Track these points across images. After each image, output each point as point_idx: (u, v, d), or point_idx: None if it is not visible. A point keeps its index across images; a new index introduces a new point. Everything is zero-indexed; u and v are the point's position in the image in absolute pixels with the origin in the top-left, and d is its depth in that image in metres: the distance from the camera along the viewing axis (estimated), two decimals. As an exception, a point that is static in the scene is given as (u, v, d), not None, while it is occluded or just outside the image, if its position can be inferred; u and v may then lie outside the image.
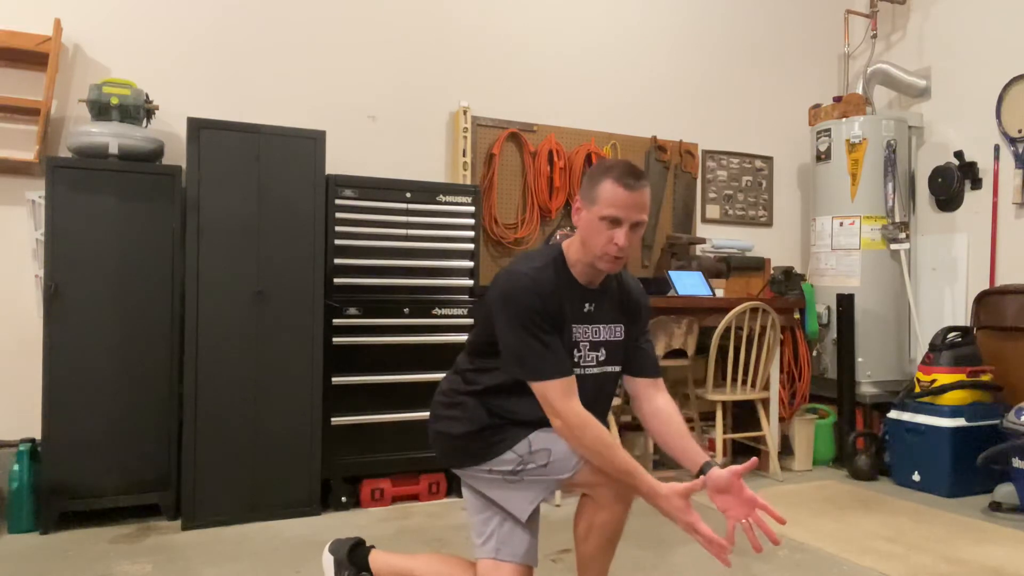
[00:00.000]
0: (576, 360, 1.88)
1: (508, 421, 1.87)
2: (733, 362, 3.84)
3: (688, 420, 4.11)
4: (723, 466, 1.81)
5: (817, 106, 4.72)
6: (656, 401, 1.99)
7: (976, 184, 4.30)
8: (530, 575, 1.92)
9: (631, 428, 4.05)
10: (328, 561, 2.17)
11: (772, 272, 4.46)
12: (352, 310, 3.27)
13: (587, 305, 1.91)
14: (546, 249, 1.93)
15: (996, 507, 3.35)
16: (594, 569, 1.93)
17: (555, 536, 2.93)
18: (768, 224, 4.94)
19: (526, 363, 1.79)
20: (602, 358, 1.93)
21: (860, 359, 4.26)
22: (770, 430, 3.95)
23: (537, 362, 1.78)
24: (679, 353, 3.77)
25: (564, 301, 1.85)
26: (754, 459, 1.78)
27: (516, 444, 1.85)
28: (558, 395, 1.77)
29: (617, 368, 1.98)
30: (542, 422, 1.83)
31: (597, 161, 1.81)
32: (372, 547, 2.16)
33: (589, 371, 1.91)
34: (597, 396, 1.93)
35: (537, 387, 1.78)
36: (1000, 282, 4.14)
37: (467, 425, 1.89)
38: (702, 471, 1.82)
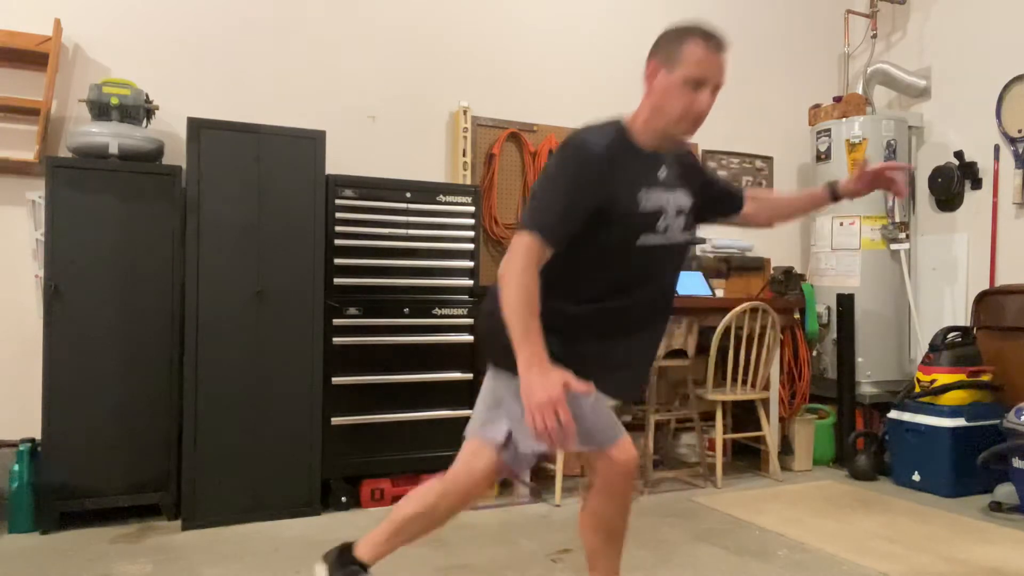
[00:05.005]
0: (663, 228, 1.77)
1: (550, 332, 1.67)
2: (733, 362, 3.83)
3: (688, 420, 4.11)
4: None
5: (817, 106, 4.72)
6: (760, 203, 2.07)
7: (976, 184, 4.30)
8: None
9: (630, 428, 4.03)
10: (321, 571, 2.02)
11: (772, 272, 4.46)
12: (352, 310, 3.27)
13: (661, 172, 1.80)
14: (605, 121, 1.80)
15: (996, 507, 3.35)
16: (601, 567, 1.94)
17: (555, 536, 2.93)
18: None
19: (531, 208, 1.68)
20: (685, 224, 1.84)
21: (860, 359, 4.26)
22: (770, 430, 3.95)
23: (536, 212, 1.67)
24: (679, 353, 3.77)
25: (627, 165, 1.73)
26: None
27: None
28: (523, 250, 1.62)
29: (697, 233, 1.94)
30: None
31: (672, 24, 1.77)
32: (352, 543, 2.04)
33: (676, 240, 1.81)
34: (677, 265, 1.87)
35: (519, 234, 1.65)
36: (1000, 282, 4.14)
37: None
38: (833, 195, 2.01)
